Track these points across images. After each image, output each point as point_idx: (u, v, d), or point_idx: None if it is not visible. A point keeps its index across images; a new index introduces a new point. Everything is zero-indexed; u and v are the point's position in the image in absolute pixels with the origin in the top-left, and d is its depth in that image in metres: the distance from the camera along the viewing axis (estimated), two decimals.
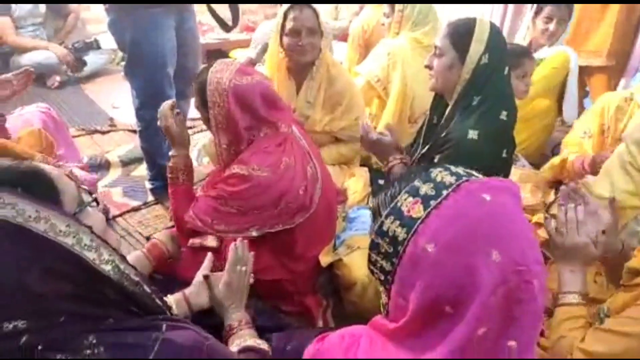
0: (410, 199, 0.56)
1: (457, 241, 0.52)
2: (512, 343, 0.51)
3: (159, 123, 1.43)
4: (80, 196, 0.72)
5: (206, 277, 1.10)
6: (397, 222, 0.56)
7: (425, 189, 0.56)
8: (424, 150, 1.43)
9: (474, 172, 0.59)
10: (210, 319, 1.09)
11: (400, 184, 0.59)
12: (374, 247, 0.59)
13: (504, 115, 1.29)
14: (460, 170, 0.58)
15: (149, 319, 0.70)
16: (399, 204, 0.57)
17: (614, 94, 2.07)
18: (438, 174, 0.57)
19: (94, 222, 0.69)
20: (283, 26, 1.84)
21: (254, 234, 1.35)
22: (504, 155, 1.32)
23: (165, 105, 1.44)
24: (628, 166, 1.39)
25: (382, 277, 0.59)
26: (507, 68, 1.31)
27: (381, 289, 0.61)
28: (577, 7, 2.49)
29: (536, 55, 2.30)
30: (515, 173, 1.89)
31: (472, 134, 1.25)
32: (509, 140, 1.34)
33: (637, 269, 0.90)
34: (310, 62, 1.90)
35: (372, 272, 0.62)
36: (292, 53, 1.86)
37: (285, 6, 1.85)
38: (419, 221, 0.54)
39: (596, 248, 0.98)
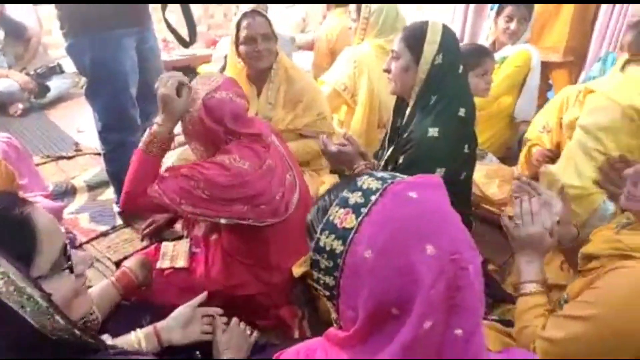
0: (342, 210, 0.56)
1: (391, 243, 0.52)
2: (458, 331, 0.51)
3: (156, 85, 1.34)
4: (60, 260, 0.67)
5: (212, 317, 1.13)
6: (332, 236, 0.55)
7: (354, 198, 0.56)
8: (389, 153, 1.44)
9: (398, 175, 0.59)
10: (179, 355, 1.06)
11: (329, 197, 0.59)
12: (314, 265, 0.59)
13: (462, 112, 1.31)
14: (385, 174, 0.59)
15: (98, 355, 0.66)
16: (331, 218, 0.56)
17: (573, 87, 2.11)
18: (364, 181, 0.57)
19: (58, 290, 0.64)
20: (238, 36, 1.87)
21: (223, 221, 1.31)
22: (466, 150, 1.33)
23: (177, 75, 1.34)
24: (594, 153, 1.39)
25: (328, 293, 0.59)
26: (461, 67, 1.34)
27: (329, 304, 0.61)
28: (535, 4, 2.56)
29: (499, 54, 2.36)
30: (482, 169, 1.91)
31: (432, 132, 1.27)
32: (469, 136, 1.35)
33: (590, 254, 0.91)
34: (268, 68, 1.93)
35: (316, 290, 0.61)
36: (250, 60, 1.89)
37: (237, 18, 1.87)
38: (353, 231, 0.54)
39: (552, 237, 0.99)
